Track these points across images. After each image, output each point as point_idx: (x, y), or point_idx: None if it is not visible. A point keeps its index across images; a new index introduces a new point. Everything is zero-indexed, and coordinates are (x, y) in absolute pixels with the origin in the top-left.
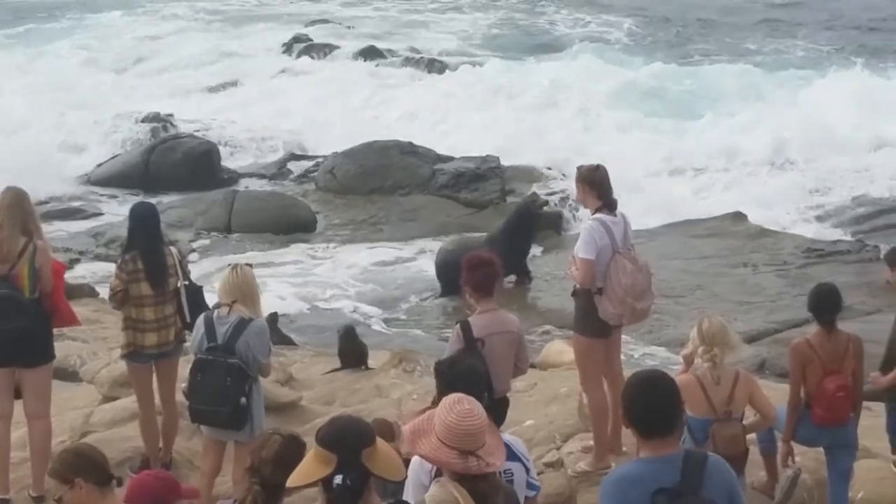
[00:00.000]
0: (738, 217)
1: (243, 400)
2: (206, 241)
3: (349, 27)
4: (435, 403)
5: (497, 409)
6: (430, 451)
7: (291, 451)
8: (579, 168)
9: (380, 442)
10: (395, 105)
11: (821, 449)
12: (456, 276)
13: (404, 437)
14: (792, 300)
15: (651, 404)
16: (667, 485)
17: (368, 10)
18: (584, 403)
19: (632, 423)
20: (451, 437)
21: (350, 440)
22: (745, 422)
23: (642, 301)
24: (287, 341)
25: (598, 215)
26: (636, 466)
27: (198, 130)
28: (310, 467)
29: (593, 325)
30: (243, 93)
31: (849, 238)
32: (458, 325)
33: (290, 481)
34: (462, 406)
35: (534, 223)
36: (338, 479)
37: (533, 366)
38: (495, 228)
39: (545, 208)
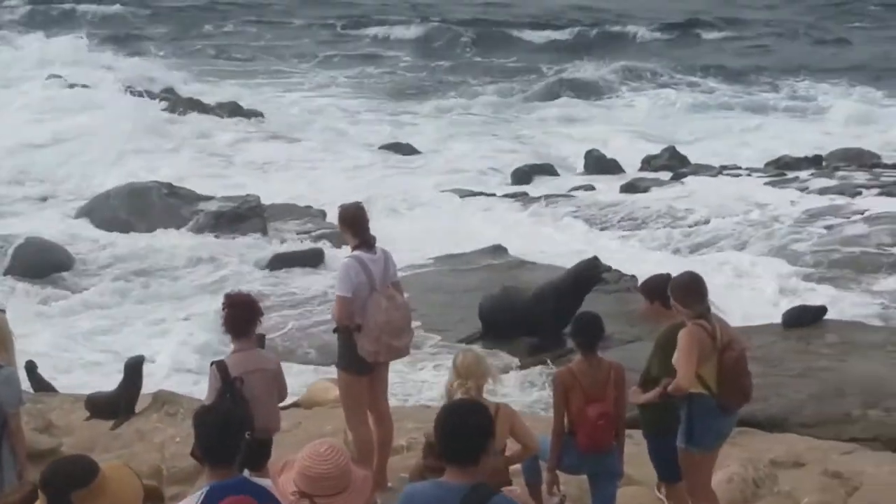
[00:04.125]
0: (499, 250)
1: None
2: None
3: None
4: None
5: (259, 450)
6: (282, 482)
7: (32, 498)
8: (340, 207)
9: (103, 488)
10: (158, 144)
11: (585, 477)
12: (498, 320)
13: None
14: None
15: (457, 432)
16: None
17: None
18: (350, 441)
19: (439, 447)
20: (299, 476)
21: (57, 480)
22: (506, 453)
23: (399, 338)
24: (47, 388)
25: (355, 252)
26: (427, 487)
27: None
28: None
29: (355, 361)
30: None
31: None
32: (213, 366)
33: None
34: (318, 450)
35: (589, 289)
36: None
37: (297, 405)
38: (547, 284)
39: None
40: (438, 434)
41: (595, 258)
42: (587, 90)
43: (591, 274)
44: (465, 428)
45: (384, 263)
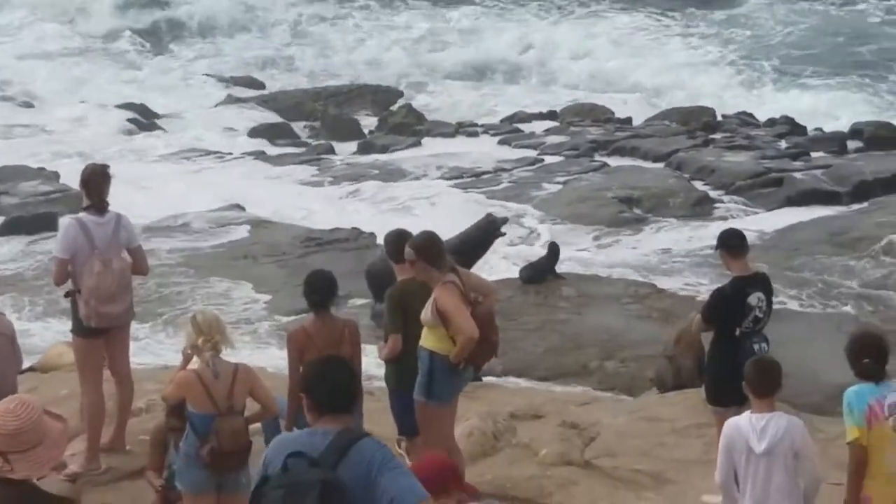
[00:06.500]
0: (237, 209)
1: None
2: None
3: None
4: None
5: None
6: None
7: None
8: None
9: None
10: None
11: None
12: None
13: None
14: (293, 290)
15: (335, 383)
16: (309, 452)
17: None
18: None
19: (310, 398)
20: None
21: None
22: (246, 413)
23: (110, 305)
24: None
25: (79, 214)
26: (299, 434)
27: None
28: None
29: (82, 325)
30: None
31: (347, 227)
32: None
33: None
34: (8, 406)
35: (487, 248)
36: None
37: (33, 368)
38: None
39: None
40: (315, 385)
41: (490, 214)
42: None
43: (487, 232)
44: (343, 378)
45: (113, 228)
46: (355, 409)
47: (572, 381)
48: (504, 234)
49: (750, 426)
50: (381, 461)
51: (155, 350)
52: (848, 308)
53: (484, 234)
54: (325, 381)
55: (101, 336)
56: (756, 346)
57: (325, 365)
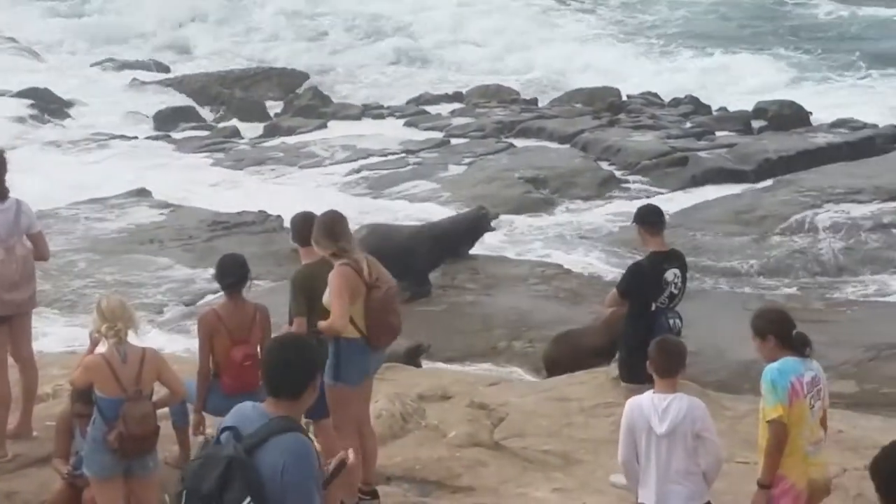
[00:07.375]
0: (143, 193)
1: None
2: None
3: None
4: None
5: None
6: None
7: None
8: None
9: None
10: None
11: None
12: None
13: None
14: (202, 273)
15: (269, 365)
16: (242, 429)
17: None
18: None
19: (264, 377)
20: None
21: None
22: (154, 398)
23: (14, 292)
24: None
25: None
26: (250, 408)
27: None
28: None
29: None
30: None
31: (253, 209)
32: None
33: None
34: None
35: (475, 238)
36: None
37: None
38: (431, 224)
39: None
40: (262, 365)
41: (482, 207)
42: None
43: (478, 223)
44: (281, 363)
45: (14, 214)
46: (304, 396)
47: (481, 362)
48: (494, 228)
49: (652, 406)
50: (291, 470)
51: (58, 335)
52: (753, 286)
53: (473, 224)
54: (266, 363)
55: (3, 323)
56: (671, 321)
57: (274, 347)
